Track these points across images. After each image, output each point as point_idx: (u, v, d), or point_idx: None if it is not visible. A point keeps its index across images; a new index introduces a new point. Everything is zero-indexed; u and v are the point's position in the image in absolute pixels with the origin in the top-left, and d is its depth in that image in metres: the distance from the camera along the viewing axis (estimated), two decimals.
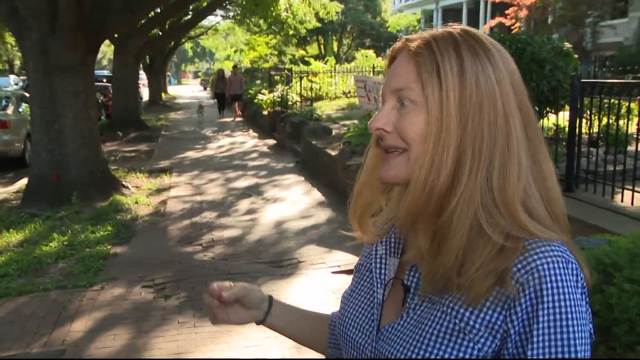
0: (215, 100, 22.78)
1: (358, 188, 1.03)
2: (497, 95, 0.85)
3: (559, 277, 0.81)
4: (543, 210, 0.87)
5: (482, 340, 0.83)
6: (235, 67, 22.53)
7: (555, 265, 0.81)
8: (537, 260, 0.82)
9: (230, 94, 20.65)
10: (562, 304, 0.80)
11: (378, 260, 1.03)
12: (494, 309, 0.83)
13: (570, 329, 0.80)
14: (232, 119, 20.83)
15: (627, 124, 4.87)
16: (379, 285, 1.01)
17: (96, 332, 4.16)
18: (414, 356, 0.88)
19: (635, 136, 5.50)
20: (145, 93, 28.43)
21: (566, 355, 0.79)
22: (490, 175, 0.84)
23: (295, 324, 1.22)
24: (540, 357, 0.79)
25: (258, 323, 1.19)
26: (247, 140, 14.99)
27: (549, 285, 0.80)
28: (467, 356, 0.84)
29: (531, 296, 0.80)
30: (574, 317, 0.80)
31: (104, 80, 21.64)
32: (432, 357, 0.85)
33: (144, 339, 4.04)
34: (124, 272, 5.29)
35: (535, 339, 0.80)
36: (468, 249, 0.84)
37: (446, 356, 0.85)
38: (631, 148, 5.24)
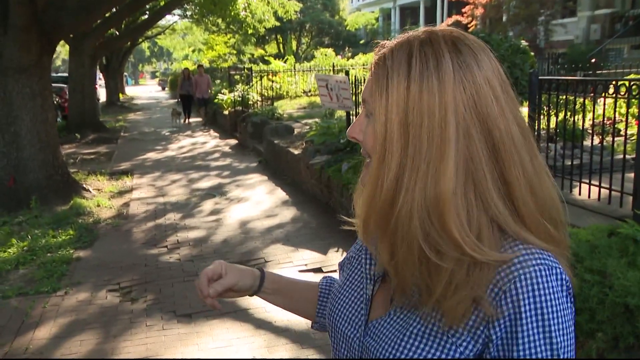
0: (179, 101, 19.96)
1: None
2: (437, 110, 0.83)
3: (539, 285, 0.82)
4: (510, 221, 0.86)
5: (465, 343, 0.85)
6: (201, 66, 19.90)
7: (536, 273, 0.82)
8: (518, 269, 0.83)
9: (197, 98, 18.32)
10: (544, 311, 0.81)
11: (368, 256, 1.05)
12: (476, 314, 0.84)
13: (554, 334, 0.81)
14: (203, 127, 18.36)
15: (583, 120, 5.04)
16: (368, 281, 1.03)
17: (61, 338, 4.08)
18: (397, 354, 0.89)
19: (589, 131, 5.69)
20: (102, 94, 27.86)
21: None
22: (426, 190, 0.83)
23: (285, 297, 1.27)
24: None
25: (250, 295, 1.24)
26: (209, 141, 14.86)
27: (529, 294, 0.81)
28: (449, 357, 0.85)
29: (512, 304, 0.81)
30: (556, 323, 0.81)
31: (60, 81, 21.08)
32: (415, 356, 0.87)
33: (111, 344, 3.98)
34: (89, 277, 5.19)
35: (520, 347, 0.81)
36: (428, 267, 0.85)
37: (429, 356, 0.86)
38: (586, 143, 5.42)
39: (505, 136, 0.86)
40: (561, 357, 0.81)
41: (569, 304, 0.84)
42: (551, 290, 0.82)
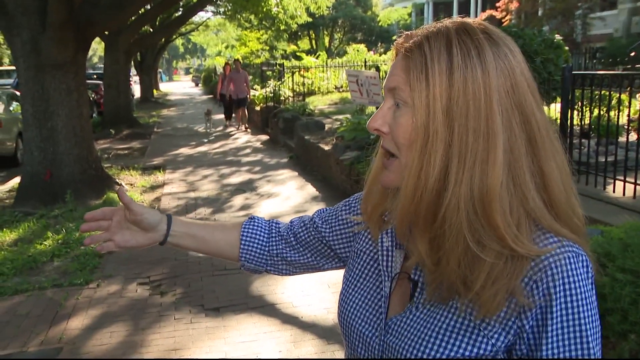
0: (220, 102, 17.02)
1: (368, 186, 1.05)
2: (482, 99, 0.83)
3: (570, 273, 0.82)
4: (545, 214, 0.86)
5: (496, 335, 0.84)
6: (237, 61, 17.01)
7: (566, 261, 0.82)
8: (549, 257, 0.83)
9: (234, 98, 15.78)
10: (575, 298, 0.81)
11: (385, 252, 1.02)
12: (507, 305, 0.84)
13: (583, 320, 0.82)
14: (236, 128, 16.29)
15: (618, 115, 4.91)
16: (386, 278, 1.00)
17: (93, 329, 4.16)
18: (427, 351, 0.88)
19: (625, 127, 5.55)
20: (136, 90, 28.31)
21: (580, 349, 0.81)
22: (473, 183, 0.83)
23: (199, 239, 1.21)
24: (555, 350, 0.81)
25: (161, 244, 1.19)
26: (240, 136, 14.96)
27: (561, 281, 0.81)
28: (481, 352, 0.85)
29: (544, 292, 0.82)
30: (586, 310, 0.82)
31: (95, 77, 21.51)
32: (447, 352, 0.86)
33: (140, 336, 4.05)
34: (120, 270, 5.29)
35: (549, 334, 0.81)
36: (470, 260, 0.84)
37: (460, 351, 0.85)
38: (622, 139, 5.28)
39: (541, 127, 0.86)
40: (590, 343, 0.82)
41: (593, 291, 0.85)
42: (580, 277, 0.83)
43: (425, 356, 0.88)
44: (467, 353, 0.85)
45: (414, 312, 0.93)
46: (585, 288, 0.82)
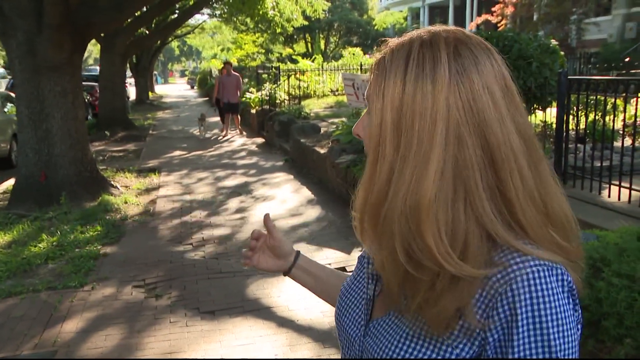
0: (215, 107, 16.17)
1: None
2: (429, 113, 0.82)
3: (538, 287, 0.79)
4: (502, 232, 0.83)
5: (461, 345, 0.83)
6: (228, 64, 16.08)
7: (534, 275, 0.79)
8: (515, 270, 0.80)
9: (224, 102, 15.05)
10: (542, 313, 0.78)
11: (372, 255, 1.04)
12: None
13: (552, 336, 0.78)
14: (229, 133, 15.38)
15: (614, 120, 4.93)
16: (370, 281, 1.03)
17: (88, 332, 4.14)
18: (394, 355, 0.88)
19: (620, 132, 5.58)
20: (132, 92, 28.24)
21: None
22: (406, 196, 0.82)
23: (316, 279, 1.33)
24: None
25: (284, 274, 1.33)
26: (236, 139, 14.94)
27: (528, 295, 0.78)
28: (445, 358, 0.84)
29: (509, 306, 0.79)
30: (556, 325, 0.78)
31: (85, 79, 21.36)
32: (412, 357, 0.86)
33: (135, 339, 4.03)
34: (115, 272, 5.27)
35: (515, 348, 0.79)
36: (405, 277, 0.84)
37: (425, 357, 0.85)
38: (617, 144, 5.31)
39: (502, 144, 0.83)
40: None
41: (570, 306, 0.81)
42: (550, 292, 0.79)
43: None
44: (431, 358, 0.85)
45: (390, 317, 0.94)
46: (554, 303, 0.79)
